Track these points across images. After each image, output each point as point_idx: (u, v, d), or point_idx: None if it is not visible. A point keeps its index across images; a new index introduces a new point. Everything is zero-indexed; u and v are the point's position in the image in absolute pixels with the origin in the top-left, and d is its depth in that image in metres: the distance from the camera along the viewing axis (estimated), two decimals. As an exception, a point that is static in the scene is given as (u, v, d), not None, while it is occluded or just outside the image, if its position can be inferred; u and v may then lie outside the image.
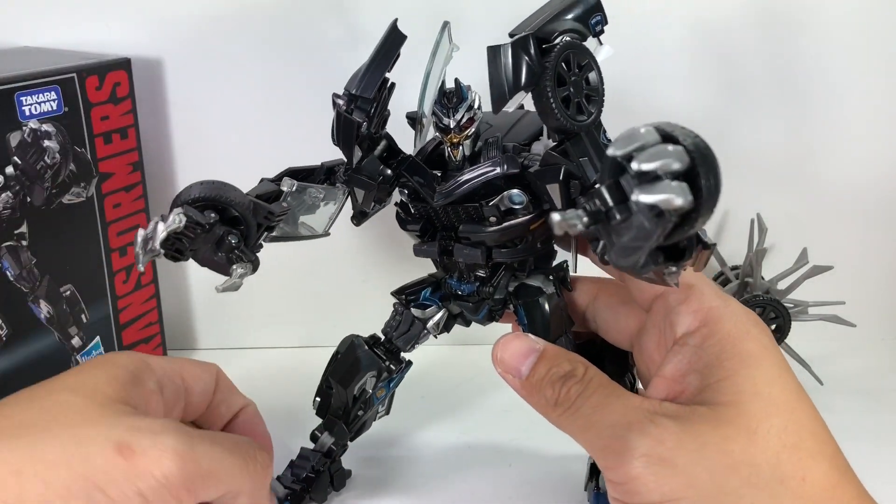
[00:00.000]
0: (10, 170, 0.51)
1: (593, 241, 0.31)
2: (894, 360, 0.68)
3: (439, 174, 0.42)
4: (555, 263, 0.46)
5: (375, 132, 0.42)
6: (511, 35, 0.39)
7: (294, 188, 0.43)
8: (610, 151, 0.26)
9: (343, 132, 0.42)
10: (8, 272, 0.53)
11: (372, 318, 0.54)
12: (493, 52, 0.37)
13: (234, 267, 0.37)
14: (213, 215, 0.37)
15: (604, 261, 0.30)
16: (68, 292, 0.58)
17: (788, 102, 0.64)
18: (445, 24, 0.44)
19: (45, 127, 0.53)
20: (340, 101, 0.41)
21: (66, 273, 0.57)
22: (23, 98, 0.52)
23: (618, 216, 0.27)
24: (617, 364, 0.45)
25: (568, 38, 0.38)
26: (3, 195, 0.51)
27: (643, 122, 0.26)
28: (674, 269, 0.29)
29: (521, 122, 0.44)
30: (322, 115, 0.64)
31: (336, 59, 0.63)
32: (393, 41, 0.41)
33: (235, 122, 0.66)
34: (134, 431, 0.34)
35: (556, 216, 0.27)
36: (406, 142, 0.45)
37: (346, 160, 0.44)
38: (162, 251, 0.35)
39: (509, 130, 0.43)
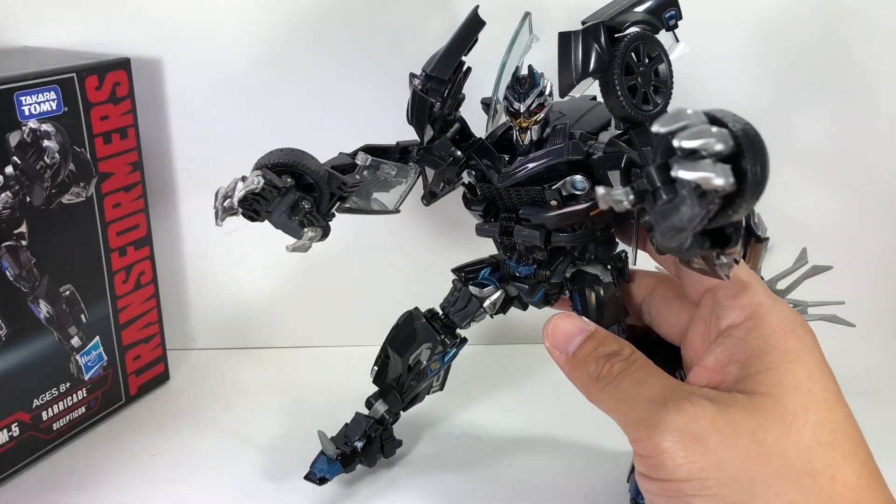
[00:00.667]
0: (9, 170, 0.51)
1: (650, 231, 0.30)
2: (894, 360, 0.67)
3: (507, 157, 0.43)
4: (614, 253, 0.46)
5: (449, 114, 0.43)
6: (583, 23, 0.39)
7: (368, 162, 0.44)
8: (654, 127, 0.26)
9: (417, 110, 0.43)
10: (7, 272, 0.52)
11: (372, 318, 0.55)
12: (564, 39, 0.38)
13: (306, 230, 0.40)
14: (289, 180, 0.39)
15: (658, 251, 0.30)
16: (68, 292, 0.57)
17: (824, 100, 0.64)
18: (526, 15, 0.45)
19: (44, 127, 0.53)
20: (416, 81, 0.43)
21: (66, 273, 0.57)
22: (22, 98, 0.51)
23: (664, 196, 0.27)
24: (668, 360, 0.44)
25: (638, 30, 0.39)
26: (3, 195, 0.51)
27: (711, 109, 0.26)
28: (723, 258, 0.29)
29: (591, 112, 0.44)
30: (322, 114, 0.65)
31: (337, 58, 0.63)
32: (472, 26, 0.42)
33: (235, 122, 0.66)
34: None
35: (601, 190, 0.28)
36: (481, 127, 0.46)
37: (419, 140, 0.45)
38: (240, 209, 0.38)
39: (579, 119, 0.43)
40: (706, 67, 0.62)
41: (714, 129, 0.25)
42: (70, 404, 0.59)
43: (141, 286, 0.63)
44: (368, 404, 0.52)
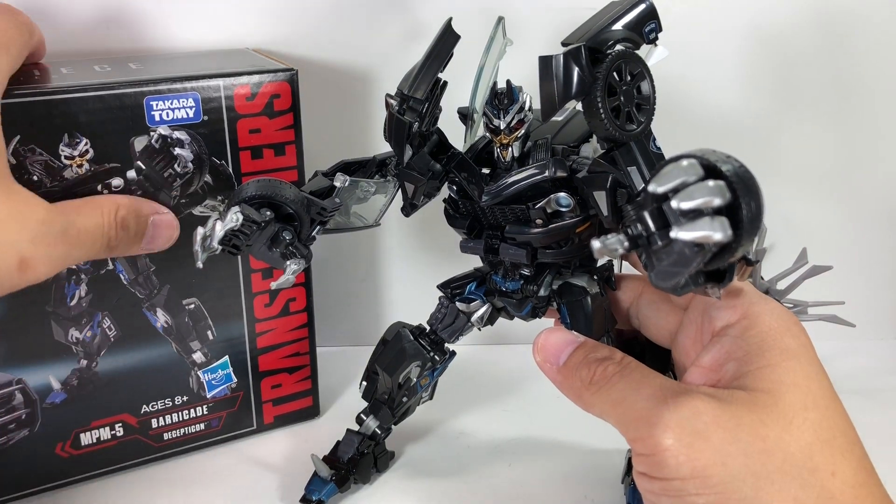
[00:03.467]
0: (131, 174, 0.48)
1: (646, 269, 0.30)
2: (894, 360, 0.67)
3: (488, 172, 0.42)
4: (600, 263, 0.44)
5: (426, 130, 0.42)
6: (563, 44, 0.38)
7: (346, 184, 0.43)
8: (651, 188, 0.27)
9: (395, 132, 0.41)
10: (122, 275, 0.50)
11: (370, 317, 0.57)
12: (545, 63, 0.37)
13: (288, 263, 0.39)
14: (268, 213, 0.39)
15: (655, 286, 0.30)
16: (192, 305, 0.53)
17: (823, 110, 0.64)
18: (500, 20, 0.43)
19: (177, 134, 0.49)
20: (393, 102, 0.41)
21: (192, 286, 0.53)
22: (153, 102, 0.48)
23: (659, 242, 0.28)
24: (657, 364, 0.42)
25: (620, 48, 0.37)
26: (123, 198, 0.49)
27: (685, 151, 0.28)
28: (716, 289, 0.30)
29: (571, 123, 0.43)
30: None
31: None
32: (447, 41, 0.41)
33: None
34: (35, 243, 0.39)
35: (596, 243, 0.28)
36: (457, 135, 0.45)
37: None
38: (219, 248, 0.37)
39: (559, 131, 0.42)
40: (696, 77, 0.61)
41: (710, 183, 0.25)
42: (186, 418, 0.55)
43: (289, 313, 0.57)
44: (359, 420, 0.51)
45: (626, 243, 0.28)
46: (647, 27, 0.38)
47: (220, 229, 0.36)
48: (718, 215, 0.25)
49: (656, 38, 0.39)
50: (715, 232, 0.24)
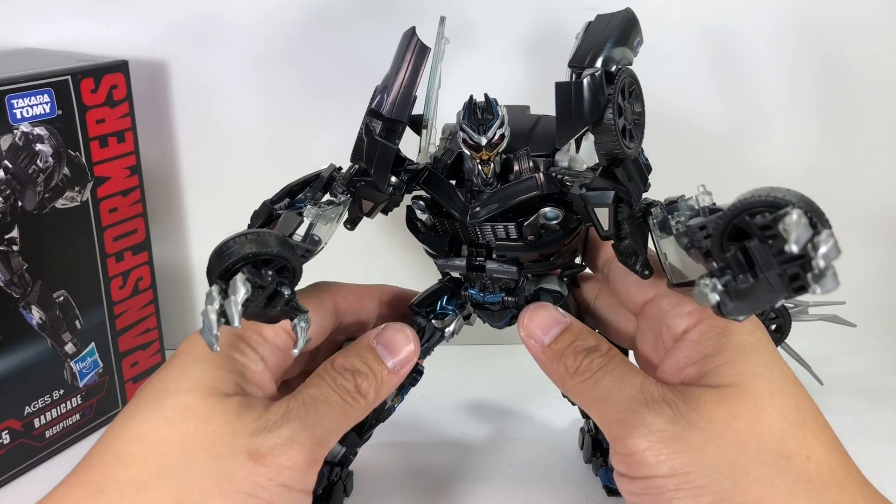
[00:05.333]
0: None
1: (719, 307, 0.29)
2: (894, 360, 0.65)
3: (454, 183, 0.40)
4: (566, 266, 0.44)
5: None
6: (571, 66, 0.36)
7: (319, 218, 0.39)
8: (789, 248, 0.26)
9: (380, 159, 0.38)
10: (-1, 278, 0.49)
11: None
12: (564, 89, 0.35)
13: (297, 322, 0.33)
14: (270, 274, 0.32)
15: (720, 313, 0.29)
16: (62, 298, 0.53)
17: (805, 114, 0.62)
18: (442, 20, 0.42)
19: (37, 130, 0.49)
20: (376, 126, 0.38)
21: (60, 278, 0.53)
22: (14, 101, 0.48)
23: (747, 281, 0.27)
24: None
25: (622, 67, 0.36)
26: (-6, 199, 0.48)
27: (759, 190, 0.28)
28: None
29: (539, 128, 0.41)
30: (325, 114, 0.62)
31: (338, 58, 0.60)
32: (419, 56, 0.38)
33: (238, 125, 0.63)
34: (257, 435, 0.34)
35: (713, 296, 0.28)
36: (409, 144, 0.41)
37: (339, 169, 0.41)
38: (239, 328, 0.30)
39: (529, 137, 0.40)
40: (675, 83, 0.60)
41: (833, 244, 0.25)
42: (64, 411, 0.55)
43: (139, 292, 0.60)
44: None
45: (720, 286, 0.28)
46: (636, 41, 0.38)
47: (237, 307, 0.29)
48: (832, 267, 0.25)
49: (639, 51, 0.39)
50: (837, 282, 0.25)
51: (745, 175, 0.62)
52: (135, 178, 0.57)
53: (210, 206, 0.65)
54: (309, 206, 0.38)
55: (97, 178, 0.54)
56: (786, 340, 0.57)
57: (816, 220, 0.27)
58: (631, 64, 0.37)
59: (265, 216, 0.39)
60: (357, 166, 0.40)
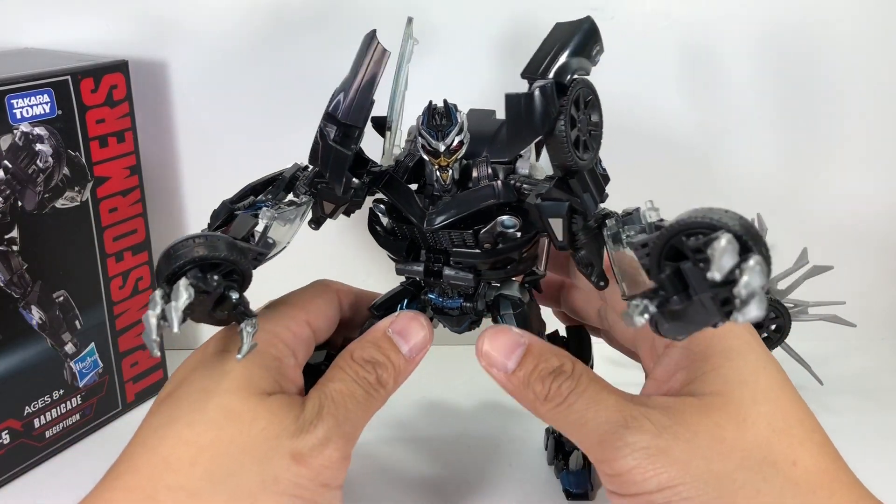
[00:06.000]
0: None
1: (655, 326, 0.30)
2: (894, 360, 0.65)
3: (415, 188, 0.40)
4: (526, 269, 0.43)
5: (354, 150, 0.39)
6: (523, 76, 0.36)
7: (275, 220, 0.38)
8: (711, 275, 0.26)
9: (334, 164, 0.38)
10: (-2, 278, 0.49)
11: None
12: (515, 101, 0.34)
13: (244, 327, 0.33)
14: (215, 278, 0.32)
15: (657, 332, 0.29)
16: (61, 298, 0.53)
17: (787, 117, 0.62)
18: (410, 21, 0.41)
19: (36, 130, 0.49)
20: (331, 131, 0.37)
21: (60, 278, 0.53)
22: (14, 101, 0.47)
23: (679, 304, 0.27)
24: (579, 346, 0.46)
25: (577, 77, 0.35)
26: (-7, 199, 0.48)
27: (697, 210, 0.28)
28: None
29: (501, 134, 0.40)
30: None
31: (340, 59, 0.60)
32: (376, 60, 0.37)
33: (240, 125, 0.62)
34: (298, 436, 0.34)
35: (638, 319, 0.28)
36: (372, 146, 0.41)
37: (304, 169, 0.41)
38: (178, 332, 0.30)
39: (491, 144, 0.40)
40: (643, 94, 0.59)
41: (757, 270, 0.25)
42: (63, 412, 0.55)
43: (139, 291, 0.59)
44: None
45: (652, 308, 0.28)
46: (594, 50, 0.37)
47: (178, 312, 0.29)
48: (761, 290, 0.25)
49: (598, 60, 0.38)
50: (763, 310, 0.25)
51: (717, 184, 0.62)
52: (135, 178, 0.57)
53: (210, 206, 0.64)
54: (265, 209, 0.38)
55: (97, 178, 0.54)
56: (786, 340, 0.57)
57: (752, 244, 0.26)
58: (588, 74, 0.36)
59: (224, 216, 0.39)
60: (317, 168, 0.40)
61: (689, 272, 0.27)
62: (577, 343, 0.46)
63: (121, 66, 0.54)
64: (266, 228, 0.38)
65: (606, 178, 0.38)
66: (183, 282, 0.30)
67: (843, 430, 0.54)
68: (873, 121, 0.62)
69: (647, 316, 0.28)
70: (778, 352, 0.57)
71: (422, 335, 0.40)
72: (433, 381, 0.61)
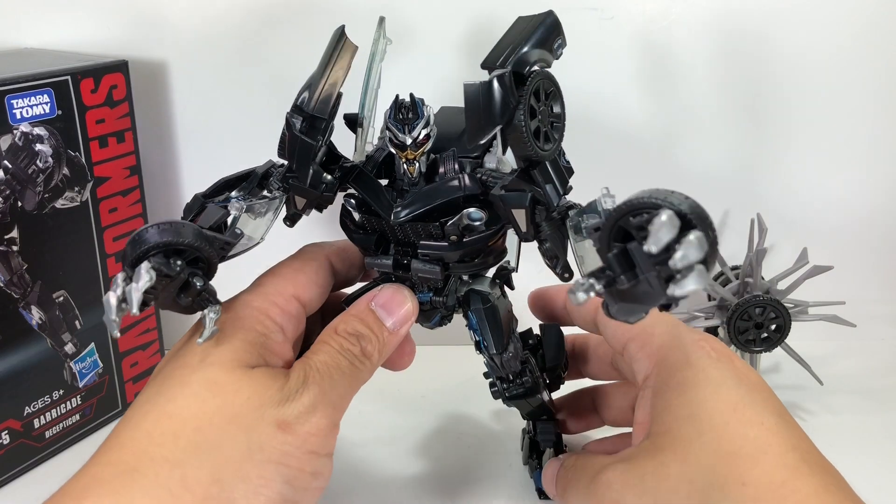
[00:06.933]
0: (-1, 174, 0.48)
1: (605, 307, 0.31)
2: (894, 360, 0.65)
3: (387, 184, 0.40)
4: (500, 263, 0.43)
5: (323, 144, 0.39)
6: (484, 67, 0.36)
7: (244, 211, 0.39)
8: (647, 248, 0.26)
9: (300, 154, 0.38)
10: (-2, 278, 0.49)
11: None
12: (472, 91, 0.34)
13: (207, 313, 0.34)
14: (178, 263, 0.33)
15: (608, 314, 0.30)
16: (61, 298, 0.53)
17: (738, 116, 0.62)
18: (381, 20, 0.41)
19: (36, 130, 0.49)
20: (297, 122, 0.38)
21: (60, 279, 0.53)
22: (14, 101, 0.47)
23: (626, 283, 0.28)
24: (552, 344, 0.47)
25: (537, 69, 0.36)
26: (-7, 199, 0.48)
27: (644, 191, 0.28)
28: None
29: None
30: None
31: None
32: (343, 54, 0.38)
33: (240, 125, 0.62)
34: (283, 404, 0.34)
35: (581, 295, 0.28)
36: (344, 143, 0.41)
37: (280, 166, 0.41)
38: (137, 314, 0.31)
39: (459, 138, 0.40)
40: (600, 88, 0.59)
41: (693, 241, 0.25)
42: (63, 412, 0.55)
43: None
44: None
45: (598, 287, 0.28)
46: (556, 43, 0.38)
47: (137, 293, 0.30)
48: (699, 264, 0.25)
49: (562, 54, 0.39)
50: (702, 283, 0.25)
51: (678, 177, 0.62)
52: (135, 179, 0.57)
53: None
54: (234, 200, 0.39)
55: (97, 179, 0.54)
56: (786, 340, 0.57)
57: (696, 222, 0.26)
58: (549, 66, 0.37)
59: (197, 209, 0.39)
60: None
61: (635, 251, 0.27)
62: (550, 341, 0.47)
63: (121, 66, 0.54)
64: (235, 220, 0.38)
65: (570, 171, 0.38)
66: (144, 265, 0.31)
67: (843, 430, 0.55)
68: (832, 114, 0.62)
69: (592, 294, 0.28)
70: (778, 352, 0.58)
71: (405, 307, 0.40)
72: (434, 382, 0.62)
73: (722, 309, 0.58)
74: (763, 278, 0.58)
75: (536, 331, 0.49)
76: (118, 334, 0.31)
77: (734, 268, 0.61)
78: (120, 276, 0.31)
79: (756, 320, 0.56)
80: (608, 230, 0.29)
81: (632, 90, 0.61)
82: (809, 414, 0.57)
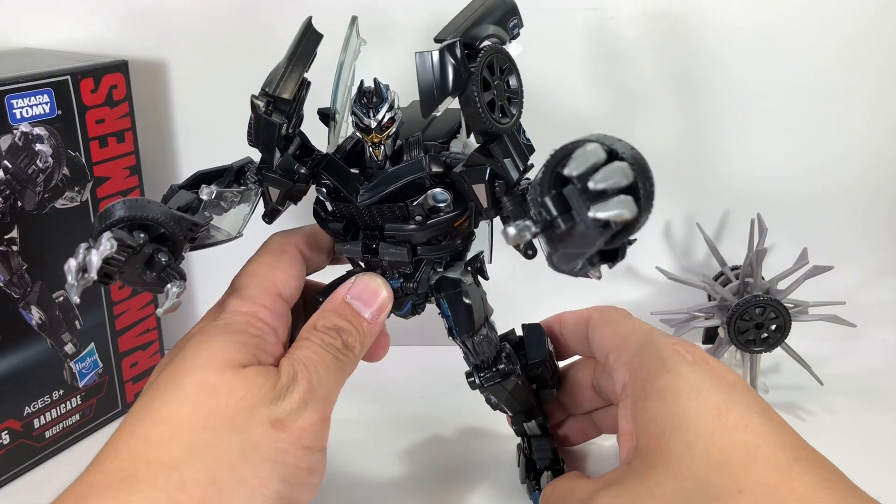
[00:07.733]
0: (-1, 174, 0.48)
1: (548, 257, 0.31)
2: (894, 360, 0.65)
3: (357, 171, 0.40)
4: (471, 255, 0.44)
5: (292, 132, 0.40)
6: (437, 40, 0.37)
7: (213, 195, 0.39)
8: (567, 171, 0.26)
9: (264, 134, 0.39)
10: (-2, 278, 0.49)
11: None
12: (423, 58, 0.35)
13: (170, 287, 0.35)
14: (142, 236, 0.34)
15: (554, 269, 0.30)
16: (61, 298, 0.53)
17: (685, 105, 0.62)
18: (354, 19, 0.42)
19: (36, 130, 0.49)
20: (260, 103, 0.39)
21: (60, 279, 0.53)
22: (14, 101, 0.47)
23: (562, 225, 0.27)
24: (534, 343, 0.47)
25: (490, 43, 0.37)
26: (-7, 199, 0.48)
27: (584, 136, 0.28)
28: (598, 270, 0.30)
29: (438, 120, 0.42)
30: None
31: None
32: (310, 41, 0.39)
33: (239, 125, 0.61)
34: (275, 402, 0.35)
35: (511, 230, 0.28)
36: (317, 137, 0.42)
37: (257, 160, 0.42)
38: (95, 278, 0.32)
39: (427, 128, 0.41)
40: (549, 73, 0.59)
41: (617, 165, 0.26)
42: (63, 412, 0.55)
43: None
44: None
45: (534, 228, 0.28)
46: (511, 22, 0.39)
47: (96, 259, 0.31)
48: (623, 194, 0.25)
49: (518, 34, 0.39)
50: (626, 210, 0.25)
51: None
52: (135, 178, 0.57)
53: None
54: (205, 186, 0.39)
55: (97, 179, 0.54)
56: (786, 340, 0.57)
57: (637, 173, 0.26)
58: (504, 43, 0.38)
59: (169, 195, 0.40)
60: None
61: (570, 194, 0.27)
62: (532, 339, 0.47)
63: (121, 66, 0.54)
64: (203, 204, 0.39)
65: (531, 149, 0.38)
66: (106, 234, 0.32)
67: (843, 430, 0.55)
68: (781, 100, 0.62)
69: (526, 234, 0.28)
70: (778, 352, 0.57)
71: (381, 296, 0.41)
72: (434, 382, 0.62)
73: (722, 309, 0.58)
74: (763, 278, 0.58)
75: (519, 332, 0.48)
76: (77, 299, 0.32)
77: (734, 268, 0.60)
78: (83, 245, 0.32)
79: (756, 320, 0.56)
80: (547, 177, 0.29)
81: (632, 90, 0.61)
82: (809, 414, 0.57)
